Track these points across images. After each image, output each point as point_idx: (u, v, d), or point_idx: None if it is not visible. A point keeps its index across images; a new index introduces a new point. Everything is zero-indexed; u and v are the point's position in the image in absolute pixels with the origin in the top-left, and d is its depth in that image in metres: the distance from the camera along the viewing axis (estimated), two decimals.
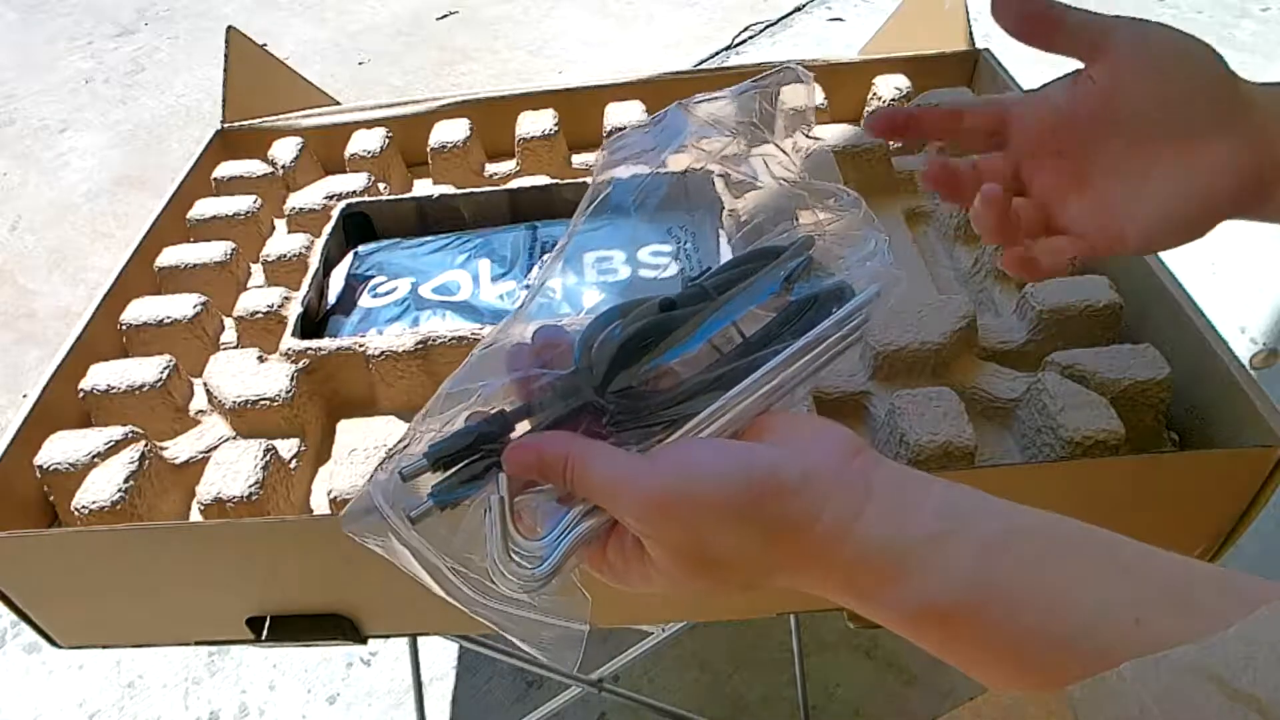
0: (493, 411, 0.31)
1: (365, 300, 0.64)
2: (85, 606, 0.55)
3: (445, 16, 2.54)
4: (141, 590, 0.54)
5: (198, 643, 0.59)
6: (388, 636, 0.83)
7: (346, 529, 0.31)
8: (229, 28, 0.86)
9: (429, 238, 0.69)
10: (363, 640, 0.56)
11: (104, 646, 0.59)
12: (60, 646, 0.56)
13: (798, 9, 2.32)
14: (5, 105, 2.36)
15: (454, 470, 0.31)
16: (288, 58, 0.93)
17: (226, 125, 0.86)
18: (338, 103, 0.91)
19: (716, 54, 2.19)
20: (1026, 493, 0.46)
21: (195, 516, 0.53)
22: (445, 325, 0.60)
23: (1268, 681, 0.18)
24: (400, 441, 0.32)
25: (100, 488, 0.50)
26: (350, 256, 0.68)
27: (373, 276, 0.66)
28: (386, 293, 0.64)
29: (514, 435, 0.31)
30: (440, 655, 1.03)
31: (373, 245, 0.69)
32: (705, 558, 0.28)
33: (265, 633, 0.53)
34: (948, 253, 0.67)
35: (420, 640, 0.92)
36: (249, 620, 0.54)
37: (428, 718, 0.92)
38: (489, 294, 0.63)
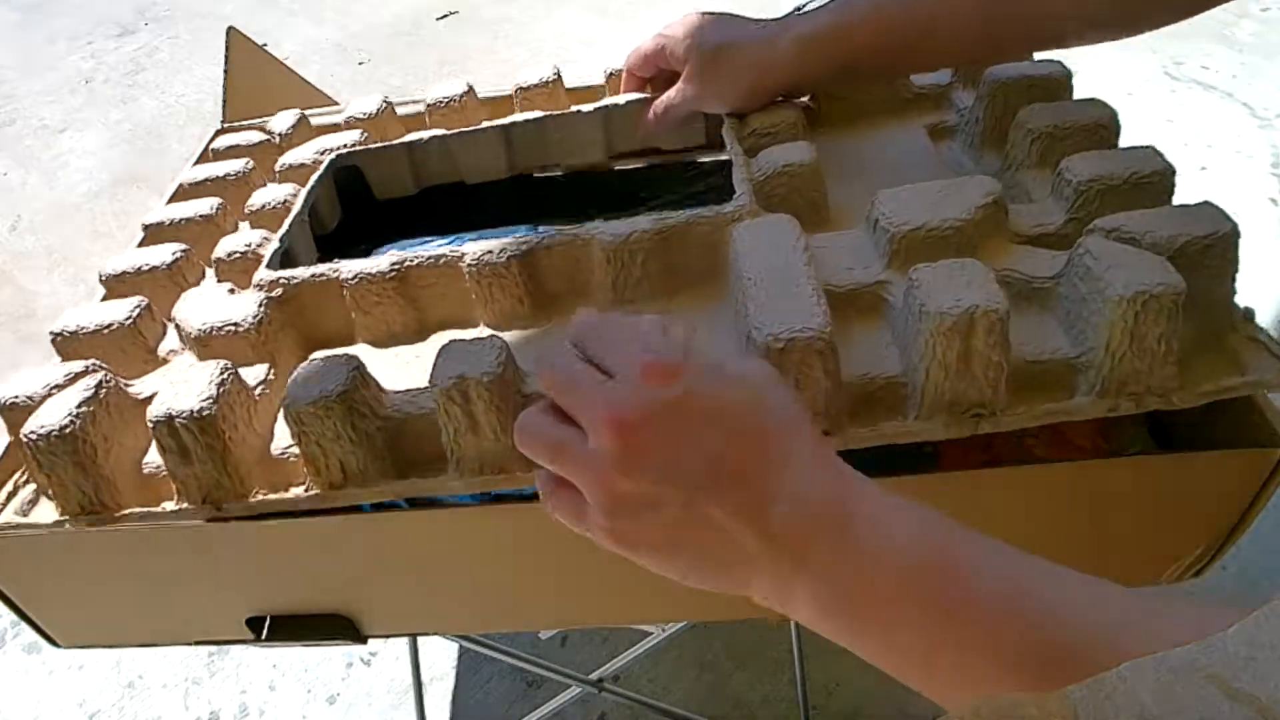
0: None
1: None
2: (85, 606, 0.55)
3: (445, 16, 2.54)
4: (141, 590, 0.53)
5: (198, 643, 0.59)
6: (388, 636, 0.83)
7: None
8: (229, 28, 0.86)
9: (428, 237, 0.69)
10: (363, 640, 0.56)
11: (104, 646, 0.59)
12: (60, 646, 0.57)
13: (797, 9, 2.32)
14: (5, 105, 2.36)
15: None
16: (288, 58, 0.93)
17: (226, 125, 0.86)
18: (337, 103, 0.91)
19: None
20: (1025, 493, 0.47)
21: (154, 448, 0.50)
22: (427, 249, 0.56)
23: (1268, 681, 0.18)
24: None
25: (51, 413, 0.46)
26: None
27: None
28: None
29: None
30: (440, 655, 1.03)
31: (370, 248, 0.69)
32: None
33: (265, 633, 0.53)
34: (974, 160, 0.62)
35: (420, 640, 0.92)
36: (249, 620, 0.54)
37: (428, 718, 0.92)
38: None
